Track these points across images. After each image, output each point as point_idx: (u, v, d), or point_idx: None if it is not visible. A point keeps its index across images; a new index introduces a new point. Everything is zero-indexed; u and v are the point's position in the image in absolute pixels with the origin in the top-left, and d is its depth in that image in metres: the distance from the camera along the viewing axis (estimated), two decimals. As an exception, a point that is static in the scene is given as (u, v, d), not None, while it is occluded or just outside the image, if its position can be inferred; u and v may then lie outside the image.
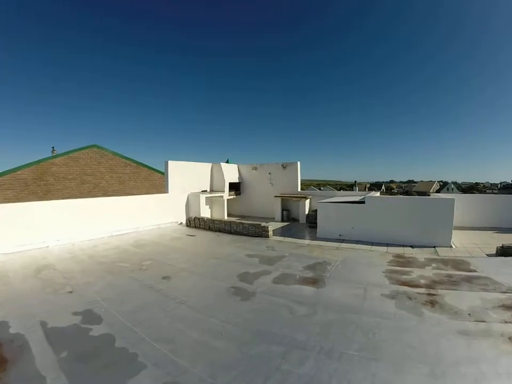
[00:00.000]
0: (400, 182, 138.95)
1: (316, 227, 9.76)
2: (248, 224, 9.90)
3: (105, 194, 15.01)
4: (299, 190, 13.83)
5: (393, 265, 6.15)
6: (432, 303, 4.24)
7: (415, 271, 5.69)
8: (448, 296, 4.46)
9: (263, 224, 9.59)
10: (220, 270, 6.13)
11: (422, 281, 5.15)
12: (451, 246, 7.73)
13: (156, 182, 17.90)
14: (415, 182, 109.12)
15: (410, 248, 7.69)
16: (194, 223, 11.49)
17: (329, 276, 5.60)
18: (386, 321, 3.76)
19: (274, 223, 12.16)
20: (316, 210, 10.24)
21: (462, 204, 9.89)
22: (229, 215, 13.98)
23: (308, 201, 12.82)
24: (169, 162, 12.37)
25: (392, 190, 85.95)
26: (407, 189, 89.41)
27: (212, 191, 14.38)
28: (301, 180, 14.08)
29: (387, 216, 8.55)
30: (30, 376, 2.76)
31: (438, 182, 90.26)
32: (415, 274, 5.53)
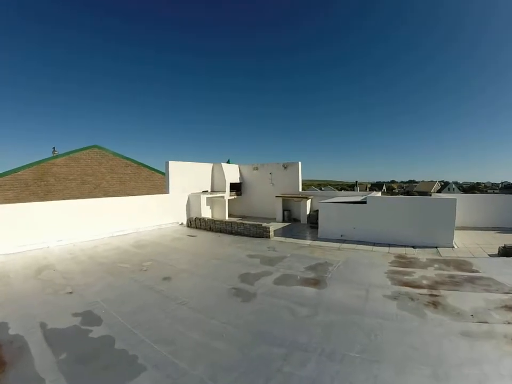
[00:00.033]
0: (401, 182, 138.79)
1: (317, 227, 9.72)
2: (249, 224, 9.88)
3: (106, 194, 15.01)
4: (300, 190, 13.80)
5: (395, 266, 6.12)
6: (435, 304, 4.21)
7: (417, 272, 5.65)
8: (451, 297, 4.43)
9: (264, 224, 9.57)
10: (221, 271, 6.11)
11: (424, 282, 5.11)
12: (453, 246, 7.68)
13: (157, 183, 17.90)
14: (416, 182, 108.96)
15: (412, 248, 7.65)
16: (195, 223, 11.48)
17: (330, 276, 5.57)
18: (388, 323, 3.73)
19: (275, 223, 12.12)
20: (317, 210, 10.21)
21: (464, 204, 9.84)
22: (230, 215, 13.97)
23: (309, 202, 12.78)
24: (170, 162, 12.36)
25: (393, 190, 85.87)
26: (408, 189, 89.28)
27: (212, 191, 14.36)
28: (302, 180, 14.05)
29: (389, 216, 8.51)
30: (29, 377, 2.74)
31: (439, 182, 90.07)
32: (417, 275, 5.49)
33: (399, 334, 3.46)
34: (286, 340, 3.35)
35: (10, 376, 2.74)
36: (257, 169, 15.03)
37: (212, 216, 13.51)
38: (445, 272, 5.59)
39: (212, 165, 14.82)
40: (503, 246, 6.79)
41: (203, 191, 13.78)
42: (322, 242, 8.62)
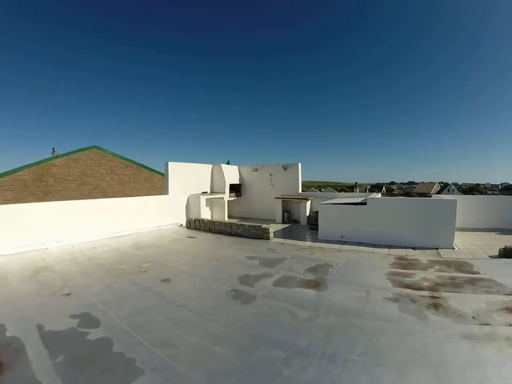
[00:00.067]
0: (401, 183, 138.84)
1: (317, 229, 9.70)
2: (248, 226, 9.85)
3: (105, 195, 14.98)
4: (300, 191, 13.78)
5: (395, 268, 6.09)
6: (436, 306, 4.18)
7: (418, 274, 5.62)
8: (452, 299, 4.40)
9: (263, 226, 9.54)
10: (220, 273, 6.07)
11: (425, 283, 5.08)
12: (453, 248, 7.66)
13: (156, 184, 17.88)
14: (416, 183, 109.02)
15: (412, 250, 7.63)
16: (195, 224, 11.44)
17: (331, 278, 5.53)
18: (389, 325, 3.70)
19: (275, 224, 12.09)
20: (317, 212, 10.19)
21: (464, 205, 9.82)
22: (229, 216, 13.93)
23: (308, 203, 12.76)
24: (170, 163, 12.33)
25: (393, 192, 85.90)
26: (408, 190, 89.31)
27: (212, 192, 14.34)
28: (301, 181, 14.03)
29: (389, 217, 8.49)
30: (26, 380, 2.71)
31: (438, 183, 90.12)
32: (418, 276, 5.46)
33: (400, 337, 3.43)
34: (286, 343, 3.32)
35: (7, 379, 2.70)
36: (257, 170, 15.02)
37: (212, 218, 13.48)
38: (446, 274, 5.56)
39: (211, 166, 14.80)
40: (503, 247, 6.77)
41: (202, 192, 13.75)
42: (323, 243, 8.59)
